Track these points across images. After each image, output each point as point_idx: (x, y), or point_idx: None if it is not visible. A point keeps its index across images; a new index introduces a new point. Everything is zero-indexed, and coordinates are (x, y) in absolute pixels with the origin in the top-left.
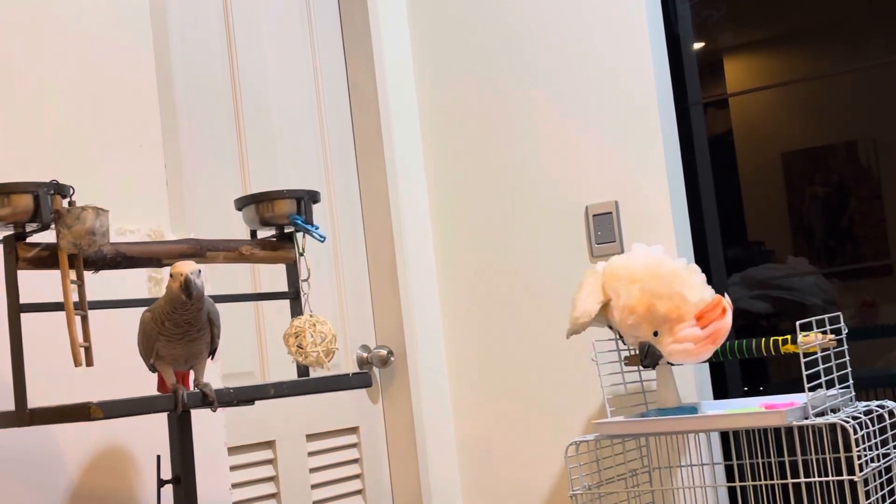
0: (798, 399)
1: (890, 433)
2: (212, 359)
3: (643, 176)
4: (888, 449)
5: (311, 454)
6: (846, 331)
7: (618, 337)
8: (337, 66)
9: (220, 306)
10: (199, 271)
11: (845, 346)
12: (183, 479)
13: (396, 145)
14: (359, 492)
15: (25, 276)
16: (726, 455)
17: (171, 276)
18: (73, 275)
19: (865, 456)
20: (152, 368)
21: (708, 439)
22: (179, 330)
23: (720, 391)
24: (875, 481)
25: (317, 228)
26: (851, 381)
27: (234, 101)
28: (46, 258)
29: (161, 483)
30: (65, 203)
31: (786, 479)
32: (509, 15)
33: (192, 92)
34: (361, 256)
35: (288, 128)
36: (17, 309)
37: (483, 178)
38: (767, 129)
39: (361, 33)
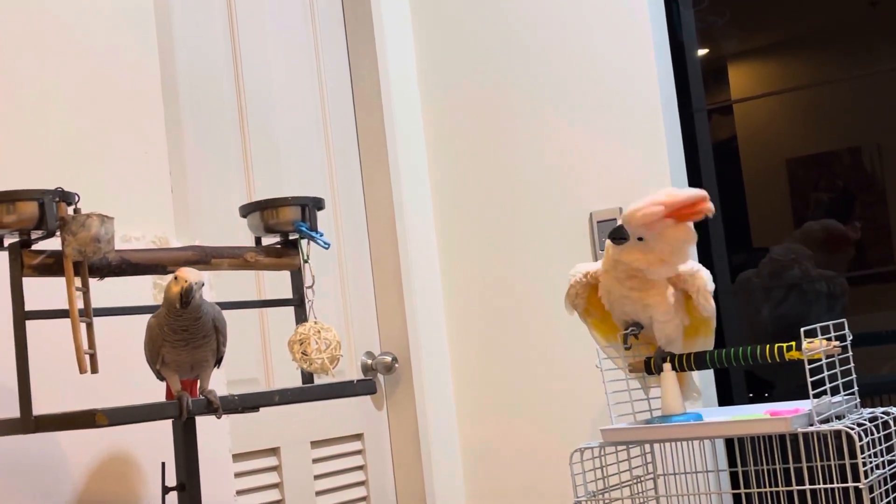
0: (803, 406)
1: (895, 440)
2: (217, 367)
3: (647, 182)
4: (893, 456)
5: (315, 461)
6: (851, 337)
7: (622, 343)
8: (341, 73)
9: (224, 313)
10: (203, 284)
11: (850, 353)
12: (188, 486)
13: (400, 151)
14: (363, 499)
15: (31, 284)
16: (731, 462)
17: (174, 278)
18: (78, 282)
19: (870, 463)
20: (159, 376)
21: (713, 446)
22: (179, 336)
23: (725, 398)
24: (880, 488)
25: (321, 235)
26: (856, 388)
27: (238, 107)
28: (52, 265)
29: (166, 490)
30: (70, 210)
31: (790, 486)
32: (513, 20)
33: (197, 98)
34: (366, 263)
35: (292, 134)
36: (22, 316)
37: (487, 185)
38: (772, 135)
39: (366, 39)
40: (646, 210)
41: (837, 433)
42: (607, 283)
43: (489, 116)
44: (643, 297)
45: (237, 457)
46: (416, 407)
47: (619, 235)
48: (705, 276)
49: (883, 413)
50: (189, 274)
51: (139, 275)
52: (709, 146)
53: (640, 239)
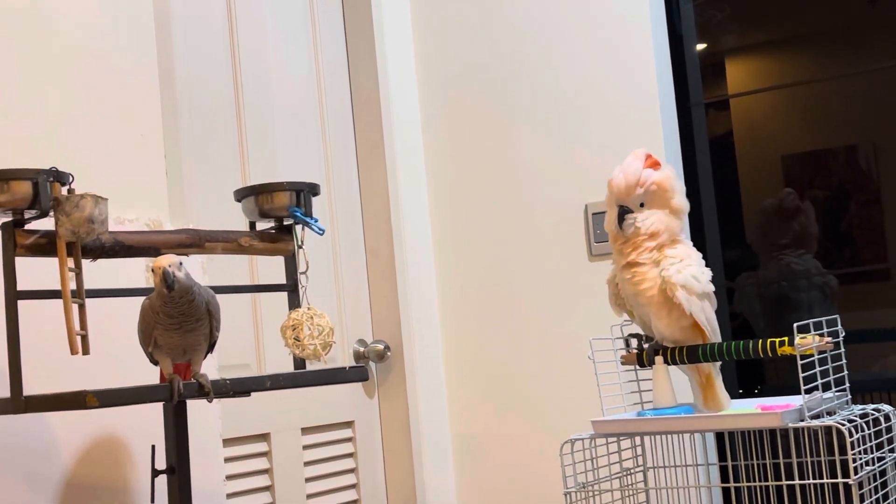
0: (794, 401)
1: (885, 437)
2: (211, 352)
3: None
4: (883, 452)
5: (305, 447)
6: (843, 334)
7: (615, 336)
8: (339, 61)
9: (216, 297)
10: (180, 263)
11: (842, 349)
12: (177, 469)
13: (397, 140)
14: (353, 486)
15: (23, 263)
16: (721, 456)
17: (151, 271)
18: (70, 262)
19: (860, 459)
20: (152, 359)
21: (703, 439)
22: (174, 321)
23: None
24: (869, 485)
25: (316, 221)
26: (848, 385)
27: (235, 92)
28: (44, 245)
29: (155, 473)
30: (64, 191)
31: (780, 480)
32: (511, 14)
33: (194, 82)
34: (360, 250)
35: (289, 120)
36: (14, 296)
37: (483, 175)
38: (768, 130)
39: (364, 24)
40: (627, 168)
41: (828, 429)
42: (620, 283)
43: (485, 107)
44: (638, 293)
45: (227, 441)
46: (408, 395)
47: (624, 213)
48: (676, 270)
49: (874, 410)
50: (161, 261)
51: (132, 257)
52: (705, 140)
53: (641, 205)
